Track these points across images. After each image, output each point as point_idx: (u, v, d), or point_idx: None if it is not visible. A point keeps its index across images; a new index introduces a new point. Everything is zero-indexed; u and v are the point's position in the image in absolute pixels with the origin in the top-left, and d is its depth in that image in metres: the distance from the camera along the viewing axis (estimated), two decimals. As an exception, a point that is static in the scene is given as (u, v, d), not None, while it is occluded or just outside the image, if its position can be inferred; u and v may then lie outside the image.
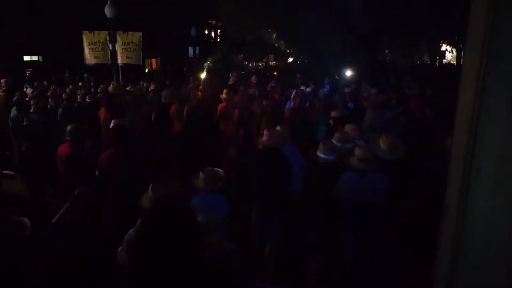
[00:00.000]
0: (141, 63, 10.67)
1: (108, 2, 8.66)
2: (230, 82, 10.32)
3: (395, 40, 14.92)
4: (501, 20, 0.78)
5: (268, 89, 9.08)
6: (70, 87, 8.35)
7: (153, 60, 22.92)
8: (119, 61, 9.47)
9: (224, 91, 6.69)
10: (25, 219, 2.13)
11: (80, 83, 9.71)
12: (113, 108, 5.61)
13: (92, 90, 8.30)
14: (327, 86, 11.23)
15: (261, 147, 3.67)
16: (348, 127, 4.17)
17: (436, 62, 17.63)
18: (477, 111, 0.83)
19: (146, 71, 20.25)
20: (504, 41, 0.78)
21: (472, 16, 0.84)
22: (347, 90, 9.32)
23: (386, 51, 16.83)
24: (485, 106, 0.82)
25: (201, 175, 2.90)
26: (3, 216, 2.10)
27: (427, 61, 17.89)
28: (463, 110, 0.88)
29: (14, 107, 6.03)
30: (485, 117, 0.83)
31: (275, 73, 19.98)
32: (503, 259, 0.88)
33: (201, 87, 9.12)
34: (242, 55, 21.65)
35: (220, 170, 2.98)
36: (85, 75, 11.82)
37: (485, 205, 0.87)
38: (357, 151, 3.14)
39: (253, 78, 10.99)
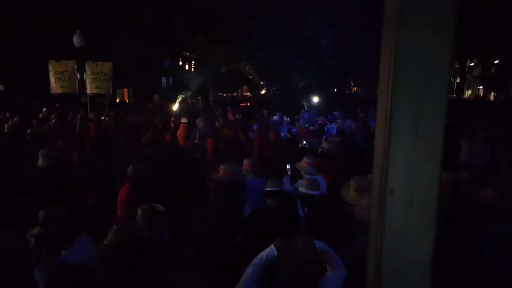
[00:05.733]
0: (111, 93, 10.61)
1: (77, 31, 8.70)
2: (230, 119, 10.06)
3: (361, 76, 15.85)
4: (400, 62, 0.92)
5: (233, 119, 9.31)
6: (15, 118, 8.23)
7: (125, 90, 22.78)
8: (88, 91, 9.39)
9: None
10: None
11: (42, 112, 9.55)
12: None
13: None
14: (306, 115, 11.63)
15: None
16: (306, 160, 4.10)
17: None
18: (388, 139, 0.95)
19: (118, 100, 20.06)
20: (404, 81, 0.92)
21: (381, 59, 0.98)
22: (319, 121, 9.70)
23: (352, 84, 17.75)
24: (394, 135, 0.94)
25: (139, 211, 2.79)
26: None
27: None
28: (378, 139, 0.99)
29: None
30: (394, 145, 0.94)
31: (248, 104, 20.35)
32: (417, 272, 0.97)
33: (172, 118, 9.16)
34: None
35: (160, 206, 2.89)
36: (56, 104, 11.60)
37: (400, 223, 0.97)
38: (352, 182, 2.82)
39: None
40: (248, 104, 20.37)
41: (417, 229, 0.96)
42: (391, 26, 0.91)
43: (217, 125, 8.20)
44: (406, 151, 0.94)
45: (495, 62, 23.40)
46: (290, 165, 4.52)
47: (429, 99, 0.92)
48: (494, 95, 25.10)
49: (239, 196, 3.60)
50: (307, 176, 4.01)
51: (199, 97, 13.80)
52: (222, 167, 3.59)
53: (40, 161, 4.58)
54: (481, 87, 26.28)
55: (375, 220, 1.00)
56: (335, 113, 11.93)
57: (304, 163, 4.04)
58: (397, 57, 0.92)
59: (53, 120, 8.17)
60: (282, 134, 8.32)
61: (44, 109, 9.98)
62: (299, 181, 4.12)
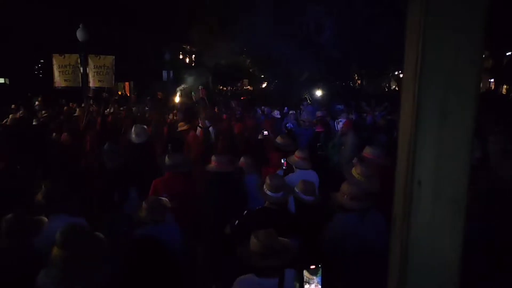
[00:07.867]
0: (113, 87, 10.60)
1: (80, 25, 8.64)
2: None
3: (364, 68, 15.65)
4: (428, 46, 0.87)
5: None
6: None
7: (126, 83, 22.72)
8: (91, 85, 9.38)
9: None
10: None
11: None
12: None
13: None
14: (310, 108, 11.52)
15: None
16: (297, 154, 3.94)
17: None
18: (414, 128, 0.90)
19: (120, 93, 20.03)
20: (432, 65, 0.87)
21: (407, 44, 0.93)
22: (319, 114, 9.60)
23: (356, 77, 17.59)
24: (421, 124, 0.90)
25: (144, 204, 2.75)
26: None
27: (395, 88, 18.83)
28: (403, 128, 0.95)
29: None
30: (421, 134, 0.90)
31: (242, 98, 20.19)
32: (445, 267, 0.93)
33: (175, 111, 9.18)
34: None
35: (165, 198, 2.86)
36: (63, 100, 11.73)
37: (427, 215, 0.93)
38: (346, 187, 2.73)
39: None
40: (242, 98, 20.18)
41: (445, 222, 0.92)
42: (418, 3, 0.86)
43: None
44: (435, 139, 0.89)
45: (507, 53, 22.70)
46: (285, 159, 4.49)
47: (459, 84, 0.87)
48: (506, 88, 24.41)
49: (230, 187, 3.52)
50: (301, 172, 3.84)
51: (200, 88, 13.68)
52: (213, 158, 3.59)
53: (134, 137, 4.95)
54: (492, 80, 25.44)
55: (401, 212, 0.96)
56: (338, 106, 11.82)
57: (296, 157, 3.94)
58: (425, 37, 0.87)
59: (44, 113, 8.22)
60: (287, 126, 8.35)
61: (37, 102, 9.96)
62: (290, 174, 4.02)
